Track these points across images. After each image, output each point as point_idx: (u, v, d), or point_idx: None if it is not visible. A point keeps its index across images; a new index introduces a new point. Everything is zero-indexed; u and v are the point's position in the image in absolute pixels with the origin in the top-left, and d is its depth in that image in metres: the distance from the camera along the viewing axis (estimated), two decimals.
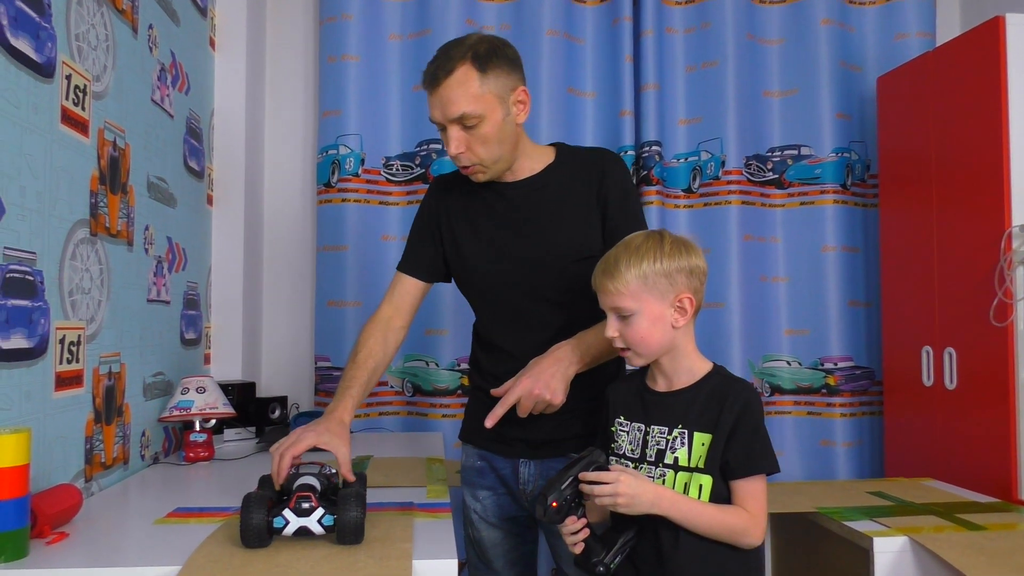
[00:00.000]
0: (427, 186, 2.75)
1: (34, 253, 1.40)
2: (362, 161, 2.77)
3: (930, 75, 2.52)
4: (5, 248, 1.31)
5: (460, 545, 1.52)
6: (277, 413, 2.41)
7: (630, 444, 1.34)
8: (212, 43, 2.59)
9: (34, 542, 1.23)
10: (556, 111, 2.83)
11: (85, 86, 1.62)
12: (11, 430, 1.19)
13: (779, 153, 2.91)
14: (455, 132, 1.48)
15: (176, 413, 1.99)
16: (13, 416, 1.33)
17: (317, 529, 1.22)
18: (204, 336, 2.49)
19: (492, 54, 1.48)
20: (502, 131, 1.50)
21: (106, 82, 1.74)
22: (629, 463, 1.34)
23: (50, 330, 1.46)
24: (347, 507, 1.22)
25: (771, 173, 2.92)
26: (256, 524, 1.19)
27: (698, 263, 1.29)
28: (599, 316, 1.48)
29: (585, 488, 1.23)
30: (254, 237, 2.74)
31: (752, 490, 1.25)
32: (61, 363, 1.51)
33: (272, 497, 1.25)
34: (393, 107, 2.80)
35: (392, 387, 2.78)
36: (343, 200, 2.74)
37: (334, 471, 1.35)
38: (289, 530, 1.21)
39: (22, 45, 1.37)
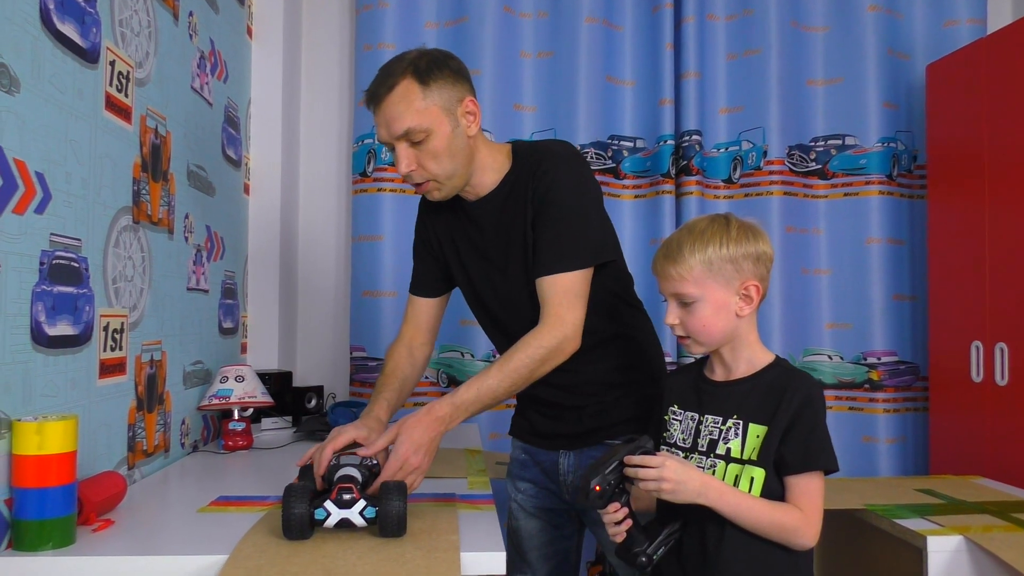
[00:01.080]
0: None
1: (79, 240, 1.40)
2: None
3: (982, 63, 2.44)
4: (52, 234, 1.30)
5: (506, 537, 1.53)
6: (313, 403, 2.41)
7: (682, 433, 1.30)
8: (250, 32, 2.58)
9: (80, 529, 1.23)
10: (594, 100, 2.78)
11: (128, 72, 1.62)
12: (58, 417, 1.19)
13: (823, 143, 2.85)
14: (403, 149, 1.43)
15: (215, 402, 1.99)
16: (59, 403, 1.33)
17: (359, 521, 1.20)
18: (241, 325, 2.50)
19: (433, 66, 1.43)
20: (452, 144, 1.45)
21: (148, 69, 1.73)
22: (680, 453, 1.30)
23: (95, 317, 1.46)
24: (389, 499, 1.20)
25: (814, 163, 2.85)
26: (298, 516, 1.17)
27: (765, 249, 1.24)
28: (611, 314, 1.55)
29: (630, 472, 1.18)
30: (290, 226, 2.74)
31: (807, 488, 1.19)
32: (105, 351, 1.50)
33: (313, 488, 1.23)
34: None
35: (428, 378, 2.77)
36: (379, 190, 2.73)
37: (375, 462, 1.33)
38: (331, 522, 1.20)
39: (68, 30, 1.36)
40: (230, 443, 1.98)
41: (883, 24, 2.84)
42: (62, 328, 1.34)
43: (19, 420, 1.15)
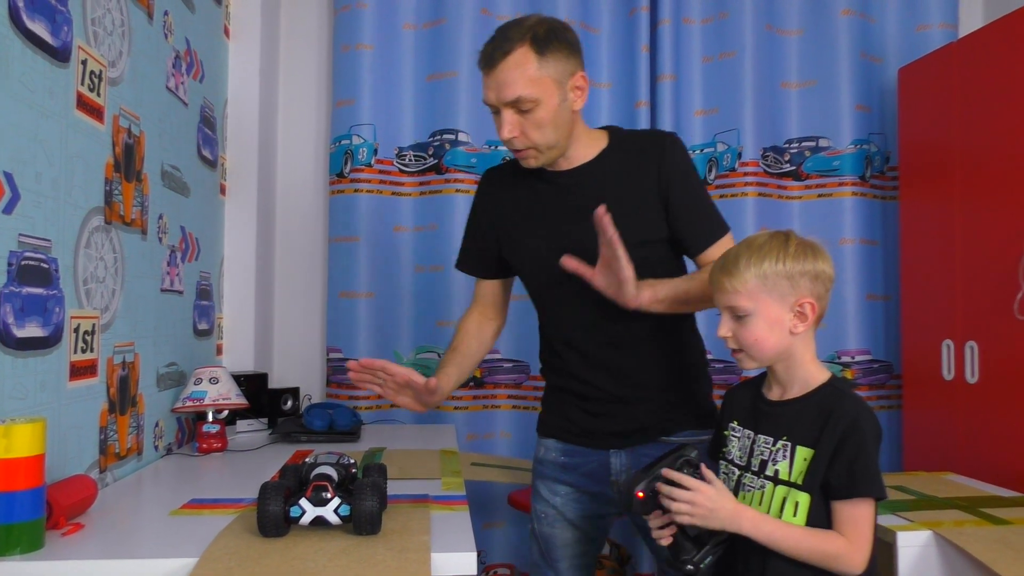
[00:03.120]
0: (440, 177, 2.75)
1: (49, 241, 1.39)
2: (375, 151, 2.75)
3: (954, 66, 2.47)
4: (20, 235, 1.29)
5: (477, 537, 1.50)
6: (289, 404, 2.40)
7: (739, 451, 1.29)
8: (227, 31, 2.57)
9: (49, 533, 1.22)
10: None
11: (101, 72, 1.60)
12: (26, 420, 1.17)
13: (797, 145, 2.88)
14: (509, 116, 1.43)
15: (189, 404, 1.97)
16: (28, 406, 1.32)
17: (333, 519, 1.20)
18: (216, 327, 2.48)
19: (552, 37, 1.42)
20: (558, 116, 1.44)
21: (121, 68, 1.72)
22: (736, 470, 1.29)
23: (65, 319, 1.45)
24: (364, 497, 1.20)
25: (788, 165, 2.88)
26: (273, 513, 1.18)
27: (824, 268, 1.21)
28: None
29: (664, 489, 1.18)
30: (266, 227, 2.72)
31: (853, 515, 1.16)
32: (76, 352, 1.49)
33: (290, 486, 1.23)
34: (407, 97, 2.78)
35: None
36: (356, 191, 2.72)
37: (352, 461, 1.33)
38: (306, 519, 1.20)
39: (38, 28, 1.35)
40: (204, 446, 1.97)
41: (856, 28, 2.87)
42: (31, 330, 1.33)
43: None
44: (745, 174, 2.83)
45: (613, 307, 1.43)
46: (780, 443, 1.22)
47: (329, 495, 1.21)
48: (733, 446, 1.31)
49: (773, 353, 1.22)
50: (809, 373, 1.24)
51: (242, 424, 2.28)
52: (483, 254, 1.69)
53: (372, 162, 2.74)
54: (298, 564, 1.12)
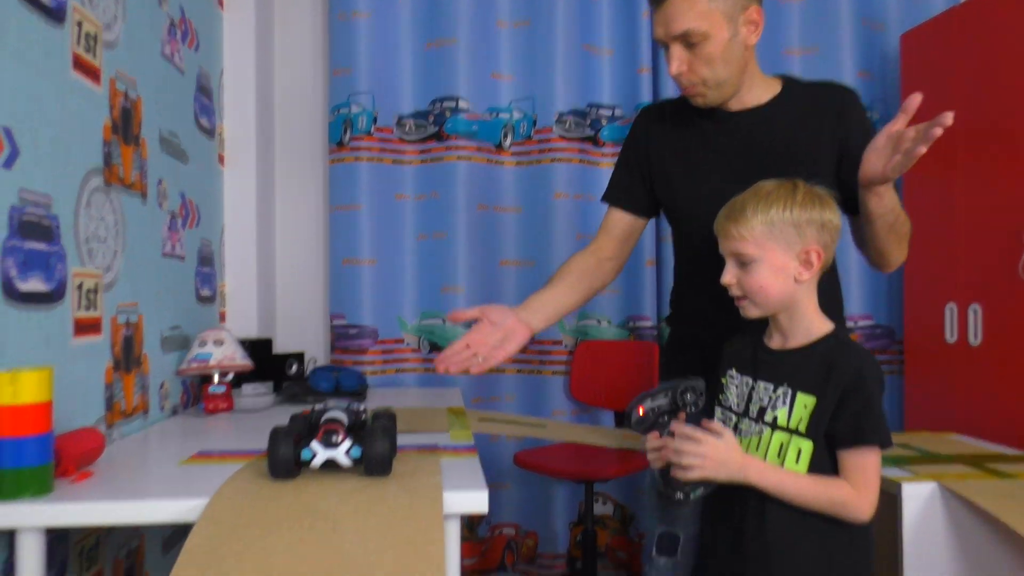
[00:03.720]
0: (441, 144, 2.74)
1: (49, 197, 1.38)
2: (374, 119, 2.74)
3: (956, 32, 2.46)
4: (21, 189, 1.29)
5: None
6: (295, 369, 2.40)
7: (736, 397, 1.30)
8: (220, 2, 2.55)
9: (58, 481, 1.22)
10: (572, 68, 2.79)
11: (96, 33, 1.59)
12: (33, 368, 1.17)
13: None
14: (677, 50, 1.38)
15: (195, 365, 1.97)
16: (33, 359, 1.32)
17: (344, 461, 1.20)
18: (219, 294, 2.48)
19: None
20: (728, 51, 1.38)
21: (116, 32, 1.70)
22: (732, 416, 1.30)
23: (67, 275, 1.44)
24: (375, 438, 1.20)
25: None
26: (284, 455, 1.18)
27: (831, 218, 1.22)
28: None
29: (673, 443, 1.18)
30: (266, 196, 2.72)
31: (858, 463, 1.16)
32: (79, 309, 1.49)
33: (300, 431, 1.23)
34: (405, 64, 2.76)
35: (408, 344, 2.77)
36: (356, 159, 2.72)
37: (363, 408, 1.33)
38: (317, 462, 1.20)
39: None
40: (211, 406, 1.97)
41: None
42: (34, 284, 1.33)
43: None
44: None
45: None
46: (780, 389, 1.22)
47: (340, 437, 1.21)
48: (731, 393, 1.32)
49: (777, 300, 1.22)
50: (812, 323, 1.25)
51: (247, 388, 2.27)
52: (634, 188, 1.60)
53: (372, 130, 2.73)
54: (310, 503, 1.12)
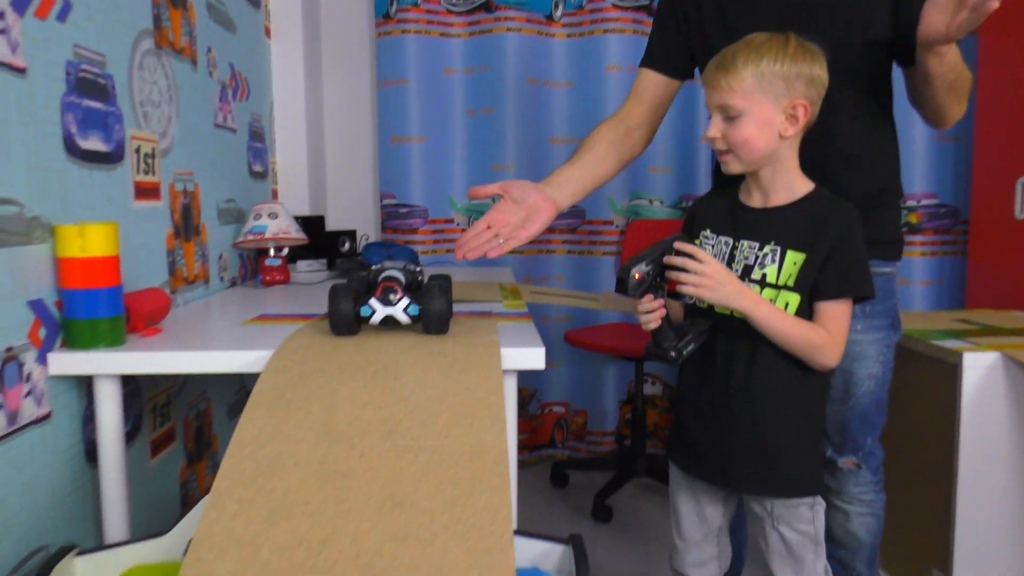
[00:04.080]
0: (489, 15, 2.65)
1: (103, 56, 1.37)
2: None
3: None
4: (75, 45, 1.28)
5: (532, 376, 1.41)
6: (347, 246, 2.42)
7: (716, 258, 1.25)
8: None
9: (129, 336, 1.27)
10: None
11: None
12: (99, 222, 1.20)
13: None
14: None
15: (251, 238, 2.00)
16: (97, 217, 1.34)
17: (403, 318, 1.22)
18: (271, 171, 2.49)
19: None
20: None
21: None
22: None
23: (125, 137, 1.45)
24: (432, 296, 1.21)
25: None
26: (344, 312, 1.20)
27: (820, 73, 1.18)
28: (878, 120, 1.37)
29: (676, 261, 1.18)
30: (314, 71, 2.68)
31: (836, 312, 1.19)
32: (138, 173, 1.50)
33: (358, 288, 1.25)
34: None
35: (459, 224, 2.76)
36: (403, 32, 2.64)
37: (419, 268, 1.34)
38: (376, 319, 1.22)
39: None
40: (267, 278, 2.01)
41: None
42: (94, 143, 1.33)
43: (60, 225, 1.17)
44: None
45: (824, 117, 1.26)
46: (768, 248, 1.22)
47: (398, 295, 1.22)
48: (708, 253, 1.26)
49: (761, 155, 1.20)
50: (794, 180, 1.23)
51: (302, 264, 2.31)
52: (669, 46, 1.50)
53: (419, 1, 2.64)
54: (371, 355, 1.14)
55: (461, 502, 0.89)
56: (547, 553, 1.11)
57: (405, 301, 1.22)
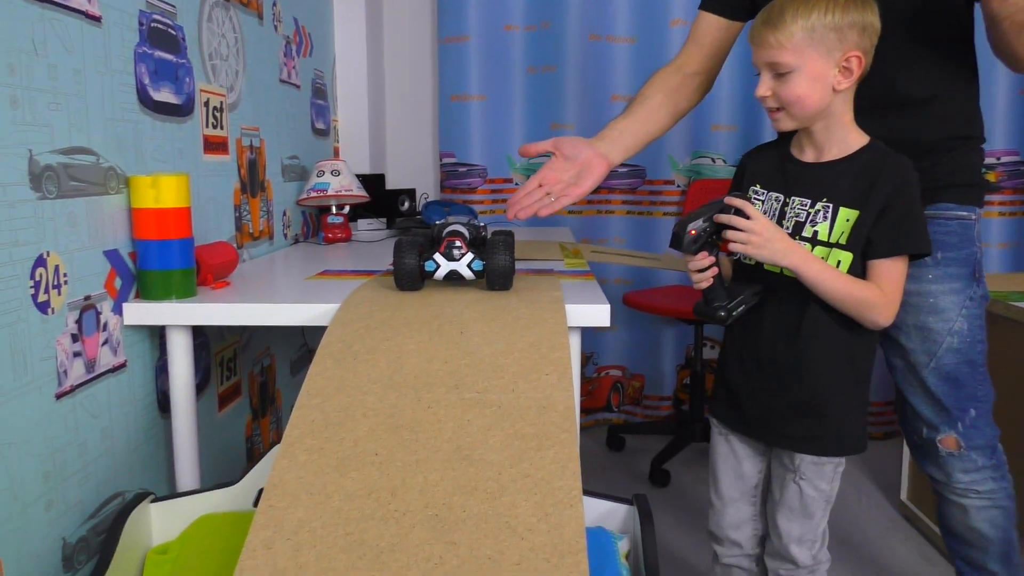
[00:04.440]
0: None
1: (174, 6, 1.38)
2: None
3: None
4: None
5: (590, 339, 1.37)
6: (407, 205, 2.42)
7: (766, 214, 1.22)
8: None
9: (199, 288, 1.29)
10: None
11: None
12: (172, 173, 1.21)
13: None
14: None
15: (314, 195, 2.01)
16: (169, 169, 1.36)
17: (467, 273, 1.21)
18: (333, 129, 2.50)
19: None
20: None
21: None
22: None
23: (195, 90, 1.46)
24: (496, 252, 1.20)
25: None
26: (409, 266, 1.20)
27: (873, 20, 1.12)
28: (952, 61, 1.26)
29: (724, 218, 1.16)
30: (375, 27, 2.66)
31: (891, 270, 1.15)
32: (207, 127, 1.52)
33: (423, 243, 1.24)
34: None
35: (518, 184, 2.74)
36: None
37: (483, 224, 1.33)
38: (440, 274, 1.21)
39: None
40: (330, 235, 2.03)
41: None
42: (165, 95, 1.35)
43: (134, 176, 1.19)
44: None
45: (887, 59, 1.20)
46: (820, 204, 1.17)
47: (463, 250, 1.21)
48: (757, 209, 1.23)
49: (814, 111, 1.15)
50: (848, 133, 1.18)
51: (362, 223, 2.32)
52: None
53: None
54: (436, 309, 1.14)
55: (529, 456, 0.89)
56: (611, 512, 1.11)
57: (469, 256, 1.21)
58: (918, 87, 1.27)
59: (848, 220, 1.15)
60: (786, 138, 1.25)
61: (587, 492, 1.09)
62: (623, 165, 2.67)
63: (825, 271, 1.14)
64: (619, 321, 2.77)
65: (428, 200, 2.58)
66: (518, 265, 1.48)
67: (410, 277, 1.20)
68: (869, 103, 1.19)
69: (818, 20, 1.10)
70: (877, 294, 1.15)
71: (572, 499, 0.84)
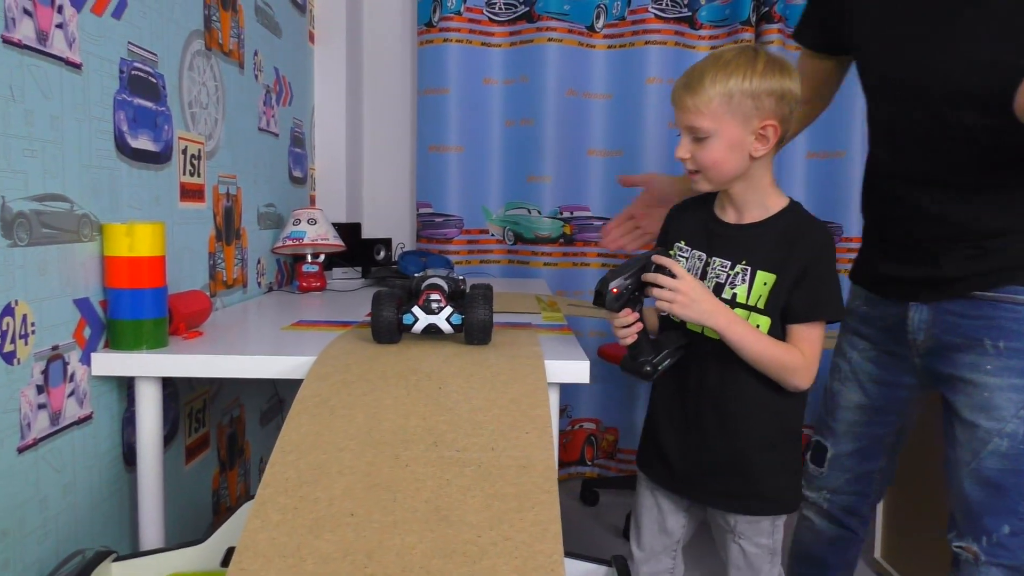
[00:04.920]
0: (531, 25, 2.64)
1: (156, 55, 1.38)
2: None
3: None
4: (129, 43, 1.28)
5: (563, 392, 1.38)
6: (382, 255, 2.41)
7: (689, 271, 1.21)
8: None
9: (171, 338, 1.26)
10: None
11: None
12: (147, 221, 1.19)
13: None
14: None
15: (290, 243, 2.00)
16: (144, 217, 1.34)
17: (446, 327, 1.20)
18: (310, 177, 2.49)
19: None
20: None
21: None
22: None
23: (174, 137, 1.45)
24: (476, 306, 1.19)
25: None
26: (387, 319, 1.18)
27: (791, 87, 1.14)
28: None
29: (648, 277, 1.17)
30: (355, 78, 2.68)
31: (811, 335, 1.17)
32: (184, 174, 1.50)
33: (401, 296, 1.23)
34: None
35: (494, 235, 2.75)
36: (444, 40, 2.64)
37: (462, 277, 1.32)
38: (418, 327, 1.20)
39: None
40: (304, 284, 2.01)
41: None
42: (143, 142, 1.34)
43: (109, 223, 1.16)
44: None
45: (970, 135, 1.12)
46: (739, 267, 1.19)
47: (441, 303, 1.20)
48: (682, 266, 1.24)
49: (731, 176, 1.18)
50: (767, 197, 1.20)
51: (337, 272, 2.31)
52: (825, 23, 1.34)
53: (461, 10, 2.64)
54: (413, 364, 1.13)
55: (509, 518, 0.87)
56: (589, 574, 1.08)
57: (448, 310, 1.20)
58: (982, 177, 1.16)
59: (765, 284, 1.17)
60: (712, 196, 1.26)
61: (566, 553, 1.06)
62: (598, 218, 2.70)
63: (749, 334, 1.15)
64: (593, 374, 2.74)
65: (404, 250, 2.58)
66: (496, 318, 1.47)
67: (388, 330, 1.19)
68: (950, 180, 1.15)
69: (735, 86, 1.12)
70: (799, 358, 1.16)
71: (553, 563, 0.82)
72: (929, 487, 1.88)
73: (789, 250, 1.16)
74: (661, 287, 1.15)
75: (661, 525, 1.34)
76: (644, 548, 1.35)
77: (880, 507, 2.13)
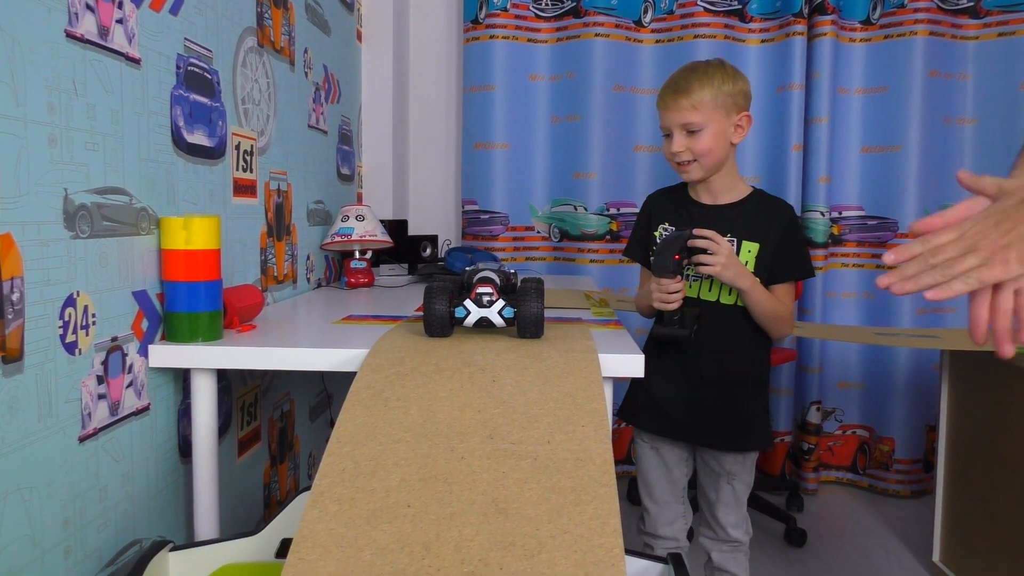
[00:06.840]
0: (578, 21, 2.62)
1: (211, 51, 1.39)
2: None
3: None
4: (186, 39, 1.30)
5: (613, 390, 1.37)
6: (428, 251, 2.42)
7: None
8: None
9: (225, 331, 1.27)
10: None
11: None
12: (203, 215, 1.20)
13: None
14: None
15: (338, 239, 2.01)
16: (199, 211, 1.36)
17: (498, 320, 1.19)
18: (357, 175, 2.50)
19: None
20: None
21: None
22: None
23: (227, 133, 1.47)
24: (528, 299, 1.18)
25: (966, 0, 2.58)
26: (439, 312, 1.17)
27: (748, 89, 1.44)
28: None
29: (703, 242, 1.37)
30: (402, 75, 2.69)
31: (790, 291, 1.46)
32: (237, 170, 1.52)
33: (452, 290, 1.22)
34: None
35: (539, 232, 2.73)
36: (491, 37, 2.63)
37: (513, 271, 1.31)
38: (470, 320, 1.19)
39: None
40: (352, 280, 2.02)
41: None
42: (199, 137, 1.35)
43: (166, 217, 1.18)
44: (915, 11, 2.55)
45: None
46: (726, 240, 1.41)
47: (493, 297, 1.19)
48: None
49: (719, 160, 1.43)
50: (737, 181, 1.49)
51: (384, 269, 2.31)
52: None
53: (508, 6, 2.63)
54: (466, 357, 1.12)
55: (567, 511, 0.85)
56: (646, 571, 1.06)
57: (500, 303, 1.19)
58: None
59: (750, 252, 1.43)
60: (682, 186, 1.53)
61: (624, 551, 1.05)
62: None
63: (763, 291, 1.42)
64: None
65: (450, 246, 2.58)
66: (546, 313, 1.45)
67: (440, 323, 1.18)
68: None
69: (719, 87, 1.40)
70: (787, 310, 1.45)
71: (614, 558, 0.80)
72: (988, 491, 1.82)
73: (768, 222, 1.43)
74: (712, 254, 1.36)
75: (669, 477, 1.56)
76: (657, 501, 1.57)
77: (938, 510, 2.07)
